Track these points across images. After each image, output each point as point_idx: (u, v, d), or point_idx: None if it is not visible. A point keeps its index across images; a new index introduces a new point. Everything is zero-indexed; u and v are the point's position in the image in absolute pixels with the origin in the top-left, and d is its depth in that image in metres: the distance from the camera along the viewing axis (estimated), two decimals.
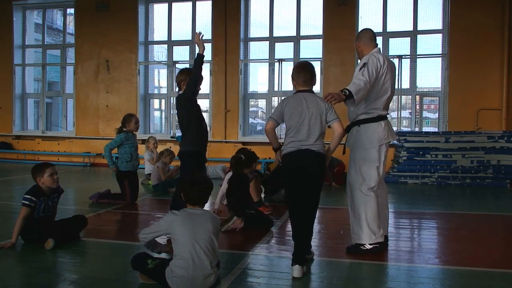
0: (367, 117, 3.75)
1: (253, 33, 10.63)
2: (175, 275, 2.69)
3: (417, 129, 9.51)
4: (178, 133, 8.32)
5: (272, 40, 10.39)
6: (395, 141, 8.30)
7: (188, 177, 3.05)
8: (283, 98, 3.54)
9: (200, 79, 4.18)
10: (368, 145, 3.72)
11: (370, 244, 3.67)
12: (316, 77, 3.47)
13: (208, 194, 2.99)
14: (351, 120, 3.88)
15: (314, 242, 4.02)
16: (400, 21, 9.66)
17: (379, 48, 3.90)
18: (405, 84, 9.67)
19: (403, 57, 9.56)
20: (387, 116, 3.86)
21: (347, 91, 3.42)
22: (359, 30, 11.04)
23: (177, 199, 4.09)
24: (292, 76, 3.47)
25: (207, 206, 5.82)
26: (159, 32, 11.39)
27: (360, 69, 3.64)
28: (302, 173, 3.25)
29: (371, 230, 3.67)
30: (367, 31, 3.97)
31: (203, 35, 4.10)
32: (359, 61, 3.95)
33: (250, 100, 10.83)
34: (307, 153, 3.24)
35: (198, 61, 4.01)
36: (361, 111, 3.76)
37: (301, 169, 3.25)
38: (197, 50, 4.08)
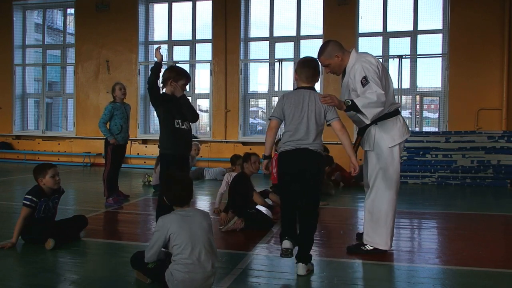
0: (384, 112, 3.58)
1: (253, 33, 10.63)
2: (176, 279, 2.64)
3: (417, 129, 9.51)
4: None
5: (272, 40, 10.39)
6: None
7: (165, 180, 2.94)
8: (282, 94, 3.48)
9: (178, 83, 3.95)
10: (391, 143, 3.60)
11: (371, 246, 3.67)
12: (320, 73, 3.39)
13: (190, 190, 2.86)
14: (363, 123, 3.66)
15: (315, 242, 4.01)
16: (400, 21, 9.67)
17: (353, 49, 3.71)
18: (405, 84, 9.67)
19: (403, 57, 9.56)
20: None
21: (350, 101, 3.32)
22: (359, 30, 10.91)
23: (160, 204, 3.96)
24: (295, 70, 3.42)
25: (206, 207, 5.83)
26: (159, 32, 11.39)
27: (363, 85, 3.40)
28: (299, 173, 3.20)
29: (390, 236, 3.67)
30: (330, 42, 3.73)
31: (160, 48, 4.10)
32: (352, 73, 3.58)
33: (250, 100, 10.83)
34: (305, 152, 3.19)
35: (152, 68, 3.97)
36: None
37: (299, 168, 3.20)
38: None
